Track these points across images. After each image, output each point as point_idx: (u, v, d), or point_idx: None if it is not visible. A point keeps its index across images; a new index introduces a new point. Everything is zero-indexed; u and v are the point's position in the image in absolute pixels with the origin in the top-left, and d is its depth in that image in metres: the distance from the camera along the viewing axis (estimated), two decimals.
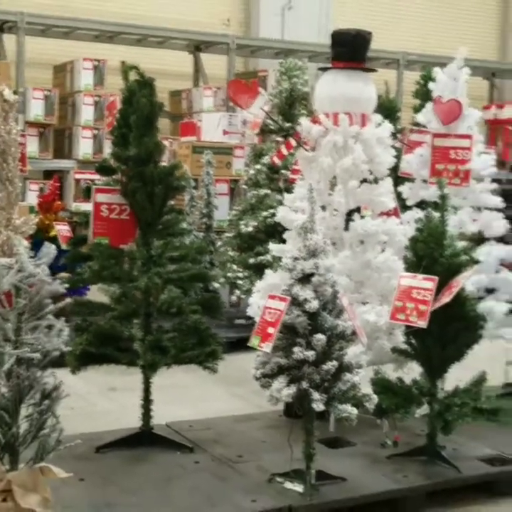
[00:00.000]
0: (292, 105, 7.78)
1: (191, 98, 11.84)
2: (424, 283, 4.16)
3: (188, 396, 5.76)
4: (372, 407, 3.90)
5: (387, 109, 7.07)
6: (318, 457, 4.03)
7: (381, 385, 4.28)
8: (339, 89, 4.79)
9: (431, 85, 5.27)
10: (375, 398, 3.91)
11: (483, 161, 5.24)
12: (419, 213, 5.15)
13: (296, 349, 3.77)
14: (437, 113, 5.07)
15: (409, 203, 5.26)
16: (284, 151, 4.97)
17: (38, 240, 5.11)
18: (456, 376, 4.48)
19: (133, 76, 4.41)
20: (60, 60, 10.95)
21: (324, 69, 4.90)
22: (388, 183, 4.85)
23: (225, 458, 4.33)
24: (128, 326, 4.39)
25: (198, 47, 12.48)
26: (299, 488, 3.94)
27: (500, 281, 5.15)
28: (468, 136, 5.09)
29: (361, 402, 3.86)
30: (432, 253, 4.22)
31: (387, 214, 4.90)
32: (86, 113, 10.46)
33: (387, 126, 4.89)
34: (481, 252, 5.08)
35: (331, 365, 3.76)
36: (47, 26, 10.57)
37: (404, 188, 5.29)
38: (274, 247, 4.81)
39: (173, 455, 4.36)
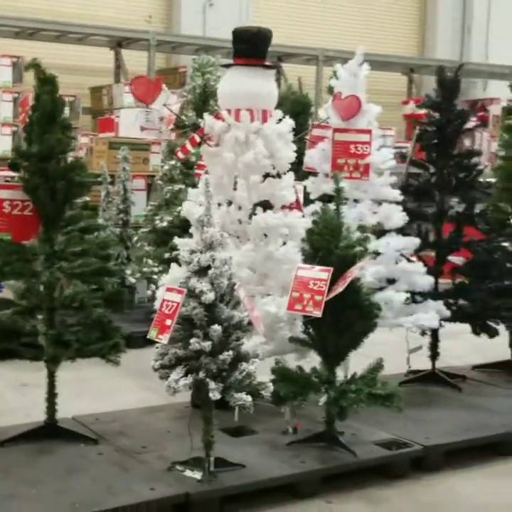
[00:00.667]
0: (206, 101, 7.87)
1: (112, 94, 11.85)
2: (320, 274, 4.29)
3: (99, 389, 5.81)
4: (267, 394, 4.02)
5: (301, 105, 7.25)
6: (219, 445, 4.15)
7: (280, 373, 4.40)
8: (240, 86, 4.90)
9: (332, 82, 5.39)
10: (271, 386, 4.03)
11: (382, 155, 5.39)
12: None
13: (192, 340, 3.87)
14: (336, 109, 5.20)
15: (312, 196, 5.38)
16: (189, 147, 5.06)
17: None
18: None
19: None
20: None
21: (227, 66, 4.99)
22: (290, 177, 4.97)
23: (129, 449, 4.40)
24: (31, 320, 4.43)
25: (119, 43, 12.49)
26: (197, 475, 4.03)
27: (399, 271, 5.31)
28: (367, 131, 5.24)
29: (257, 391, 3.97)
30: (327, 245, 4.35)
31: (290, 207, 5.02)
32: (4, 110, 10.41)
33: (288, 122, 5.00)
34: (380, 244, 5.23)
35: (226, 355, 3.87)
36: None
37: (308, 182, 5.41)
38: (179, 242, 4.89)
39: (76, 447, 4.41)
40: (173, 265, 4.93)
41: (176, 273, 4.84)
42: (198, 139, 5.02)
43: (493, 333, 5.64)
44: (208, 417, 4.07)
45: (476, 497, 4.37)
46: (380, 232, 5.32)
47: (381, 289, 5.22)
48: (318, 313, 4.25)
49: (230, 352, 3.89)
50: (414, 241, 5.40)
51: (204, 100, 7.86)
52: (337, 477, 4.36)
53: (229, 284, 3.97)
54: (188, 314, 3.90)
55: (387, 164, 5.42)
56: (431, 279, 5.41)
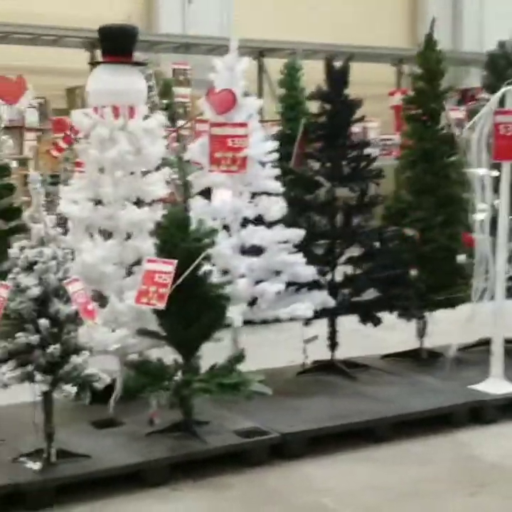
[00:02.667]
0: None
1: (84, 95, 11.98)
2: (164, 267, 4.36)
3: None
4: (101, 386, 4.11)
5: None
6: (78, 437, 4.41)
7: (132, 365, 4.49)
8: (105, 84, 4.98)
9: (211, 75, 5.44)
10: (104, 378, 4.12)
11: (264, 147, 5.43)
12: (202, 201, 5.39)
13: (19, 334, 3.98)
14: (211, 103, 5.26)
15: (194, 190, 5.45)
16: (62, 145, 5.16)
17: None
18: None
19: None
20: None
21: (94, 64, 5.08)
22: (161, 173, 5.06)
23: None
24: None
25: (93, 44, 12.60)
26: (36, 466, 4.14)
27: (281, 263, 5.35)
28: (244, 124, 5.28)
29: (89, 382, 4.07)
30: (172, 238, 4.42)
31: (164, 201, 5.10)
32: None
33: (158, 118, 5.08)
34: (263, 236, 5.29)
35: (53, 349, 3.97)
36: None
37: (191, 176, 5.48)
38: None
39: None
40: None
41: None
42: (73, 136, 5.12)
43: (376, 323, 5.65)
44: (47, 410, 4.17)
45: (325, 482, 4.41)
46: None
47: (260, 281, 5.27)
48: (161, 306, 4.32)
49: (57, 345, 3.98)
50: (298, 232, 5.43)
51: None
52: (188, 466, 4.44)
53: (57, 278, 4.05)
54: (15, 309, 4.00)
55: (269, 157, 5.46)
56: (313, 270, 5.43)
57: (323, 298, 5.49)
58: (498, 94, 5.40)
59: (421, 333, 6.17)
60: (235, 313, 5.07)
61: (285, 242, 5.40)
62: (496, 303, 5.47)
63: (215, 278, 4.59)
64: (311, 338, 5.78)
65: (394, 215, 6.08)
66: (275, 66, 11.89)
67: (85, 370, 4.05)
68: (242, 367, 4.60)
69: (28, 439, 4.51)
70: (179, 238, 4.42)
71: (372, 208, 5.79)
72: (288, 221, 5.53)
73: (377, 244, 5.76)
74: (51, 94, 11.49)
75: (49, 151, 5.19)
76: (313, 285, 5.52)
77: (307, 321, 5.58)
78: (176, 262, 4.34)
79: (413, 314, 5.84)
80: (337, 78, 5.71)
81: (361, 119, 5.74)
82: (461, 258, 6.08)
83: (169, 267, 4.35)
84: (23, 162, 9.53)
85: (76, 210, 4.93)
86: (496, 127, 5.31)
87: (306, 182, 5.72)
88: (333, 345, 5.90)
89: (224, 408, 4.94)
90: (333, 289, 5.69)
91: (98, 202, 4.99)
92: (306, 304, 5.29)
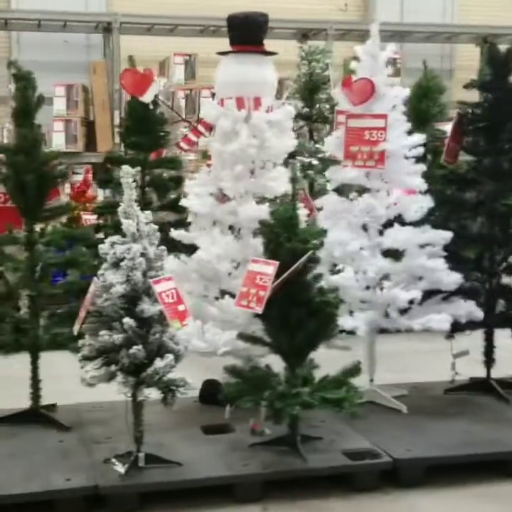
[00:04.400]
0: (314, 90, 7.69)
1: None
2: (265, 268, 4.07)
3: None
4: (186, 392, 3.89)
5: None
6: (181, 443, 4.27)
7: (231, 371, 4.23)
8: (231, 74, 4.75)
9: (353, 64, 5.04)
10: (190, 383, 3.89)
11: (407, 141, 4.96)
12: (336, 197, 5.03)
13: (103, 332, 3.84)
14: (347, 93, 4.87)
15: (331, 186, 5.08)
16: (192, 137, 4.99)
17: None
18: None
19: None
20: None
21: (223, 53, 4.85)
22: (283, 168, 4.76)
23: (92, 438, 4.45)
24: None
25: (304, 34, 12.44)
26: (122, 469, 3.99)
27: (421, 269, 4.85)
28: (383, 116, 4.84)
29: (173, 387, 3.86)
30: (277, 238, 4.11)
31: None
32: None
33: (286, 110, 4.77)
34: (400, 238, 4.83)
35: (136, 349, 3.80)
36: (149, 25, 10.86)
37: (327, 172, 5.12)
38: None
39: (46, 433, 4.53)
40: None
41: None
42: (202, 129, 4.93)
43: None
44: (136, 413, 4.02)
45: None
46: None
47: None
48: (259, 309, 4.03)
49: (140, 346, 3.80)
50: (443, 235, 4.91)
51: (311, 89, 7.68)
52: (288, 485, 4.11)
53: (143, 277, 3.87)
54: (101, 306, 3.88)
55: (414, 151, 4.97)
56: (458, 277, 4.88)
57: (469, 308, 4.92)
58: None
59: None
60: (359, 320, 4.68)
61: (427, 245, 4.89)
62: None
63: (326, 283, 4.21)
64: (461, 352, 5.23)
65: None
66: None
67: (168, 374, 3.83)
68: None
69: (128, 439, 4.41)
70: (284, 238, 4.08)
71: None
72: (439, 223, 5.03)
73: None
74: None
75: (178, 144, 5.02)
76: (460, 294, 4.97)
77: (450, 334, 5.04)
78: (277, 263, 4.03)
79: None
80: (500, 64, 5.10)
81: None
82: None
83: (270, 268, 4.04)
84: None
85: (197, 204, 4.74)
86: None
87: (460, 179, 5.16)
88: (488, 361, 5.30)
89: (346, 423, 4.57)
90: (488, 299, 5.11)
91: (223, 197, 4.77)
92: (442, 316, 4.75)
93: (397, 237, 4.83)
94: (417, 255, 4.87)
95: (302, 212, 4.67)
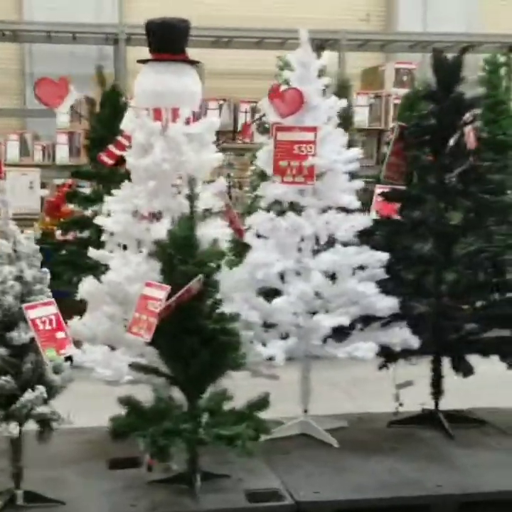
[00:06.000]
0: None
1: None
2: (155, 292, 3.78)
3: None
4: (58, 426, 3.62)
5: None
6: (79, 478, 4.03)
7: (126, 402, 3.93)
8: (149, 83, 4.47)
9: (285, 73, 4.72)
10: (62, 418, 3.62)
11: (342, 156, 4.62)
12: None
13: None
14: (274, 104, 4.54)
15: (263, 203, 4.75)
16: (115, 150, 4.72)
17: None
18: None
19: None
20: None
21: (144, 61, 4.57)
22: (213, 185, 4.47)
23: None
24: None
25: (320, 45, 12.11)
26: None
27: (353, 292, 4.50)
28: (312, 129, 4.51)
29: (45, 421, 3.60)
30: (171, 259, 3.81)
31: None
32: None
33: (208, 122, 4.48)
34: (327, 259, 4.49)
35: (4, 380, 3.54)
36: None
37: (261, 187, 4.80)
38: None
39: None
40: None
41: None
42: (125, 142, 4.66)
43: (466, 372, 4.60)
44: (14, 448, 3.75)
45: None
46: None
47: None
48: (148, 337, 3.74)
49: (8, 377, 3.54)
50: (379, 256, 4.55)
51: None
52: None
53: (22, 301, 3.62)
54: None
55: (350, 166, 4.64)
56: (392, 302, 4.52)
57: (404, 336, 4.55)
58: None
59: None
60: (277, 348, 4.35)
61: (360, 267, 4.55)
62: None
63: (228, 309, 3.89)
64: (405, 383, 4.86)
65: None
66: None
67: (38, 407, 3.56)
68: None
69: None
70: (178, 260, 3.79)
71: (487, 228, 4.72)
72: (380, 243, 4.69)
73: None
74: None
75: (100, 157, 4.74)
76: (399, 319, 4.61)
77: (384, 364, 4.68)
78: (169, 287, 3.73)
79: None
80: (446, 73, 4.73)
81: (471, 122, 4.69)
82: None
83: (162, 292, 3.75)
84: None
85: (110, 222, 4.47)
86: None
87: (403, 196, 4.79)
88: (436, 392, 4.92)
89: (265, 459, 4.26)
90: (433, 325, 4.73)
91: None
92: (368, 344, 4.39)
93: (322, 258, 4.49)
94: (349, 278, 4.52)
95: (223, 232, 4.42)
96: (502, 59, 8.72)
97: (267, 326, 4.57)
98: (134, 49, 10.36)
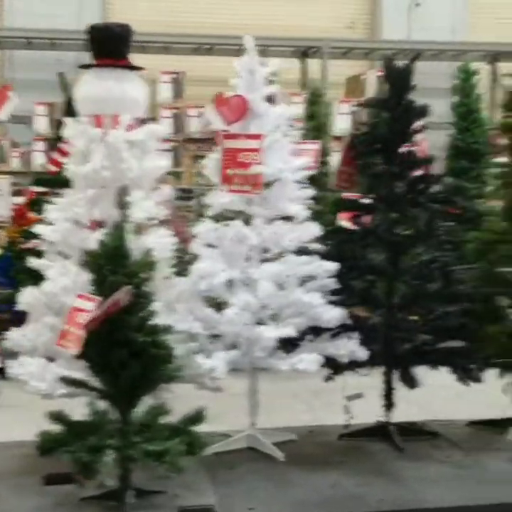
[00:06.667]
0: None
1: None
2: (86, 304, 3.69)
3: None
4: None
5: None
6: (12, 494, 3.92)
7: (56, 417, 3.84)
8: (90, 89, 4.40)
9: (232, 80, 4.63)
10: None
11: (290, 164, 4.53)
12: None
13: None
14: (220, 111, 4.46)
15: (211, 212, 4.65)
16: (58, 157, 4.64)
17: None
18: None
19: None
20: None
21: (86, 67, 4.49)
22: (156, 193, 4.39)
23: None
24: None
25: (304, 53, 12.07)
26: None
27: (301, 303, 4.41)
28: (257, 136, 4.42)
29: None
30: (101, 270, 3.72)
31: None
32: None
33: (150, 129, 4.40)
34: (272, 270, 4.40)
35: None
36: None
37: (208, 196, 4.70)
38: None
39: None
40: None
41: None
42: (66, 148, 4.59)
43: (411, 385, 4.50)
44: None
45: None
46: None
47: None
48: (74, 350, 3.65)
49: None
50: (327, 266, 4.46)
51: None
52: None
53: None
54: None
55: (298, 175, 4.55)
56: (339, 313, 4.43)
57: (351, 348, 4.46)
58: None
59: None
60: (219, 360, 4.25)
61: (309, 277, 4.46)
62: None
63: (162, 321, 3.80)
64: (355, 395, 4.77)
65: (481, 249, 4.85)
66: None
67: None
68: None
69: None
70: (107, 270, 3.70)
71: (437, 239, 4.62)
72: (331, 252, 4.60)
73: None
74: None
75: (46, 164, 4.66)
76: (349, 330, 4.52)
77: (330, 376, 4.59)
78: (97, 299, 3.64)
79: (475, 377, 4.59)
80: (397, 81, 4.65)
81: (421, 130, 4.61)
82: None
83: (90, 304, 3.66)
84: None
85: (49, 231, 4.39)
86: None
87: (351, 206, 4.71)
88: (388, 404, 4.82)
89: (208, 474, 4.18)
90: (384, 336, 4.63)
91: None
92: (312, 356, 4.29)
93: (266, 269, 4.39)
94: (295, 289, 4.43)
95: (166, 242, 4.34)
96: (475, 67, 8.61)
97: (215, 336, 4.49)
98: None
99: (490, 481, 4.23)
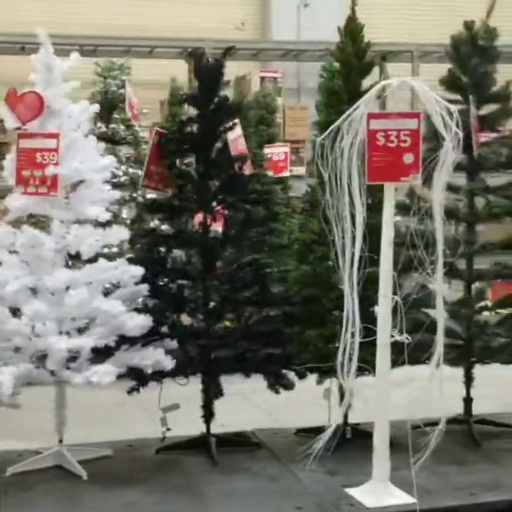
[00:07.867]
0: (112, 108, 7.05)
1: None
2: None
3: None
4: None
5: None
6: None
7: None
8: None
9: (31, 76, 4.36)
10: None
11: (93, 165, 4.29)
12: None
13: None
14: (12, 109, 4.19)
15: (9, 216, 4.37)
16: None
17: None
18: None
19: None
20: None
21: None
22: None
23: None
24: None
25: (190, 54, 11.84)
26: None
27: (99, 311, 4.18)
28: (54, 135, 4.16)
29: None
30: None
31: None
32: None
33: None
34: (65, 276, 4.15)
35: None
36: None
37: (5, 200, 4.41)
38: None
39: None
40: None
41: None
42: None
43: (216, 394, 4.31)
44: None
45: None
46: None
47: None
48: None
49: None
50: (133, 271, 4.23)
51: (109, 107, 7.02)
52: None
53: None
54: None
55: (102, 176, 4.32)
56: (145, 321, 4.20)
57: (157, 357, 4.23)
58: None
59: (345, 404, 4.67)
60: (5, 374, 3.98)
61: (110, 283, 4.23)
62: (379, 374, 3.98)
63: None
64: (171, 406, 4.56)
65: (301, 250, 4.69)
66: (399, 70, 10.46)
67: None
68: None
69: None
70: None
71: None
72: (141, 256, 4.39)
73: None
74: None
75: None
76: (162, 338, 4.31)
77: (135, 387, 4.37)
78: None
79: (287, 384, 4.40)
80: (207, 77, 4.46)
81: (231, 128, 4.41)
82: None
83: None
84: None
85: None
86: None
87: (158, 207, 4.49)
88: (207, 415, 4.61)
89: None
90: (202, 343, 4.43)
91: None
92: (106, 367, 4.05)
93: (57, 276, 4.13)
94: (95, 297, 4.18)
95: None
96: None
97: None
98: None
99: (298, 493, 4.05)
